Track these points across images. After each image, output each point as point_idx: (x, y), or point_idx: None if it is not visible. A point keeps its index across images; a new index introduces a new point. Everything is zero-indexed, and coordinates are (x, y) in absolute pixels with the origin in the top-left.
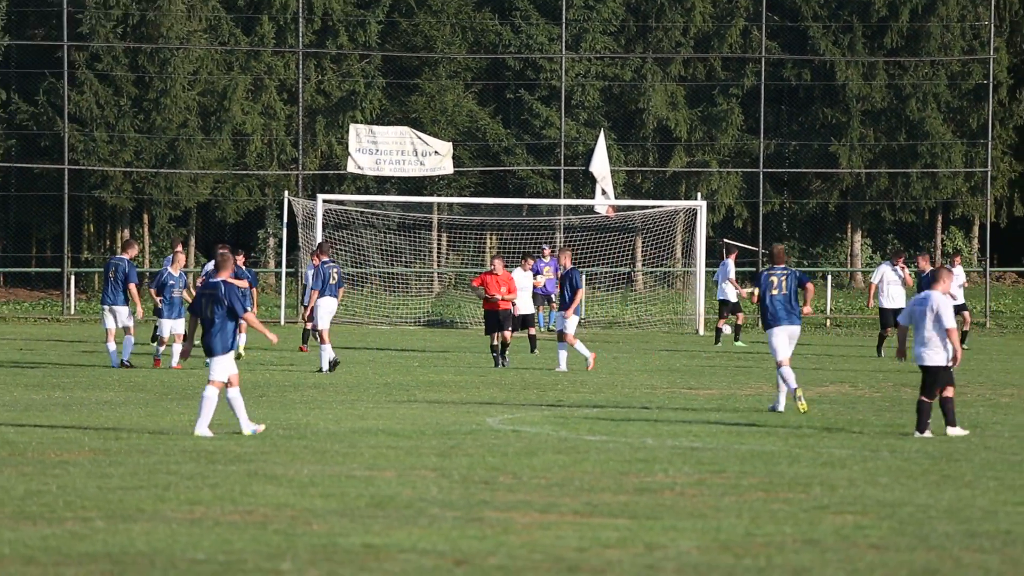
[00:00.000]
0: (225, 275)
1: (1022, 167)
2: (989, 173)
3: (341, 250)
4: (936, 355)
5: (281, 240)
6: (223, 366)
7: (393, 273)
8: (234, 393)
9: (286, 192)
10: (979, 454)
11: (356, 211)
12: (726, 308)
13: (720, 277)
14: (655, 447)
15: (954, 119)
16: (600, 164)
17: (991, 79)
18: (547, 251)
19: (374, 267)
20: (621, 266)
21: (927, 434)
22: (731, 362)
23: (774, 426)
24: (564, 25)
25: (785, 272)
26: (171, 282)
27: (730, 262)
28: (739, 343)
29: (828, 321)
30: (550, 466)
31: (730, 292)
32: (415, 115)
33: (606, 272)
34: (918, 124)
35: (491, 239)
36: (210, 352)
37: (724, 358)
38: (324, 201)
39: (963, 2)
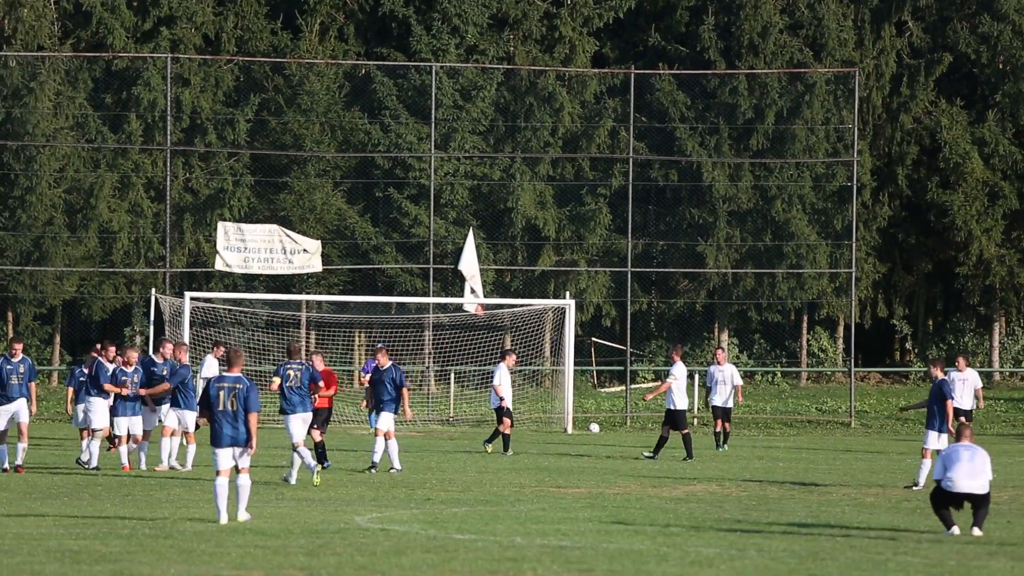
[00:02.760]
0: (238, 370)
1: (886, 268)
2: (854, 274)
3: (208, 348)
4: (984, 484)
5: (148, 338)
6: (248, 457)
7: (261, 371)
8: (244, 480)
9: (153, 290)
10: (845, 553)
11: (224, 309)
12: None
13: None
14: (524, 546)
15: (819, 220)
16: (469, 262)
17: (855, 181)
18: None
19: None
20: (490, 364)
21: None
22: (598, 462)
23: (642, 524)
24: (433, 124)
25: (301, 366)
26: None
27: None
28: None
29: (696, 420)
30: (419, 565)
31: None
32: (284, 213)
33: (474, 371)
34: (784, 225)
35: (360, 337)
36: (236, 443)
37: (591, 459)
38: (191, 299)
39: (827, 105)
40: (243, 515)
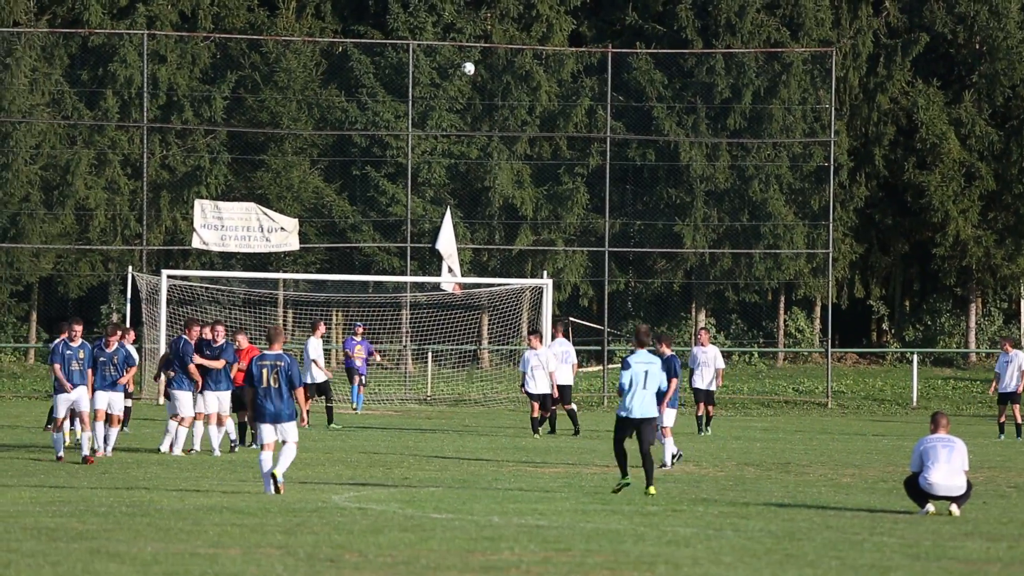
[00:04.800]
0: (279, 347)
1: (862, 249)
2: (830, 255)
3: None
4: (963, 482)
5: (125, 316)
6: (295, 430)
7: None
8: (289, 448)
9: (130, 267)
10: (821, 533)
11: (201, 287)
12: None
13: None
14: (501, 525)
15: (796, 200)
16: (446, 242)
17: (832, 161)
18: (360, 329)
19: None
20: (467, 343)
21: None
22: (575, 441)
23: (619, 504)
24: (410, 102)
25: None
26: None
27: (312, 340)
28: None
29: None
30: (396, 544)
31: (317, 374)
32: (261, 191)
33: (452, 350)
34: (761, 205)
35: (337, 315)
36: (278, 419)
37: (568, 438)
38: (168, 277)
39: (804, 85)
40: (281, 470)
